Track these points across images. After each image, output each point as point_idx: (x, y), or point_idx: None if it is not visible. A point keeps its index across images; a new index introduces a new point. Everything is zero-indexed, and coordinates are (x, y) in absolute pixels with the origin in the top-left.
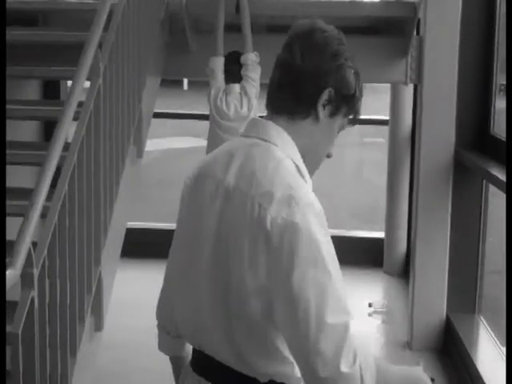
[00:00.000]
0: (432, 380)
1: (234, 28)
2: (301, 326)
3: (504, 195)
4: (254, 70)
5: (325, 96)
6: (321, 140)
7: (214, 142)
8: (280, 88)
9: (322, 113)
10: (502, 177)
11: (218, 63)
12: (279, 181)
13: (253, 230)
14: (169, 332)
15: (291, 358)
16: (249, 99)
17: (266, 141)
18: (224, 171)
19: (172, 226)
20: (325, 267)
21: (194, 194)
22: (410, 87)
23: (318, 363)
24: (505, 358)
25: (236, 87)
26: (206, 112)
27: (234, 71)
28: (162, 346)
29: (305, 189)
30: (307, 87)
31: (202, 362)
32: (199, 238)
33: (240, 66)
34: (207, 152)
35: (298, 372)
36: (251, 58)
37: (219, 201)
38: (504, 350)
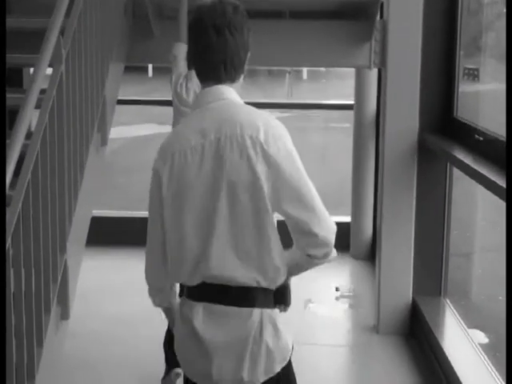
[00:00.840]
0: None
1: None
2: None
3: (467, 179)
4: None
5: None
6: None
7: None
8: (215, 50)
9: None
10: (466, 160)
11: (181, 49)
12: (260, 120)
13: (253, 157)
14: (161, 289)
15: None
16: None
17: (223, 99)
18: (202, 136)
19: (139, 213)
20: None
21: (178, 168)
22: (375, 71)
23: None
24: (471, 341)
25: None
26: (171, 98)
27: None
28: (159, 302)
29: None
30: (242, 58)
31: (210, 291)
32: (208, 194)
33: None
34: None
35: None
36: None
37: (207, 156)
38: (471, 333)
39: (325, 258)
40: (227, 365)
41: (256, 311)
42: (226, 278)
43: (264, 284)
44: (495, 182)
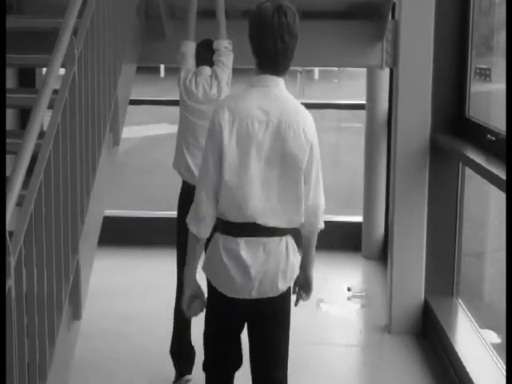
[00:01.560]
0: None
1: (208, 14)
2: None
3: (480, 179)
4: (226, 56)
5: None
6: None
7: (183, 125)
8: (278, 53)
9: None
10: (478, 160)
11: (189, 47)
12: (303, 112)
13: (302, 144)
14: (208, 223)
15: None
16: (219, 82)
17: (279, 88)
18: (266, 115)
19: (150, 213)
20: None
21: (242, 130)
22: (386, 71)
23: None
24: (483, 341)
25: (206, 69)
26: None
27: (205, 56)
28: (202, 233)
29: None
30: (292, 57)
31: (250, 228)
32: (266, 159)
33: (212, 52)
34: (178, 138)
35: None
36: (224, 45)
37: (270, 132)
38: (483, 333)
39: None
40: (266, 280)
41: (283, 238)
42: (264, 222)
43: (288, 227)
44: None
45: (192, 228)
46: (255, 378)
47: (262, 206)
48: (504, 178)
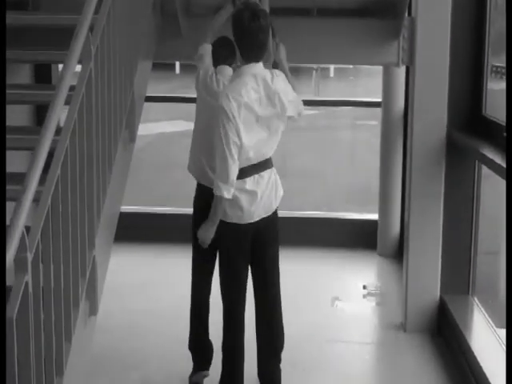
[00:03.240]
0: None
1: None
2: None
3: (496, 177)
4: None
5: None
6: None
7: (199, 128)
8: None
9: None
10: (495, 158)
11: (207, 49)
12: (277, 80)
13: (284, 103)
14: (233, 185)
15: None
16: None
17: (264, 71)
18: (257, 92)
19: (165, 210)
20: None
21: (247, 106)
22: (403, 69)
23: None
24: (499, 340)
25: (227, 69)
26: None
27: (222, 53)
28: (231, 194)
29: None
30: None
31: (259, 166)
32: (265, 120)
33: (229, 50)
34: (193, 141)
35: None
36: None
37: (262, 104)
38: (499, 332)
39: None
40: (268, 201)
41: (273, 168)
42: (266, 157)
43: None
44: None
45: (223, 193)
46: (257, 294)
47: (266, 150)
48: None
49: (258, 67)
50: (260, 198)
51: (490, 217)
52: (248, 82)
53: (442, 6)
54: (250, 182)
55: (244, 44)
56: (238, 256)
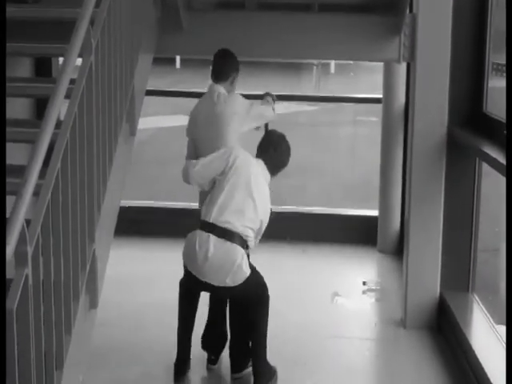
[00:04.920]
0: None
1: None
2: None
3: (497, 174)
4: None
5: None
6: None
7: None
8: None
9: None
10: (496, 155)
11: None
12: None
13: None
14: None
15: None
16: None
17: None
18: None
19: (166, 204)
20: None
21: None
22: (403, 65)
23: None
24: (499, 336)
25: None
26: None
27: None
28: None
29: None
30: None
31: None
32: None
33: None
34: None
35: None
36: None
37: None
38: (498, 328)
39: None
40: (219, 274)
41: (239, 247)
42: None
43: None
44: None
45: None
46: None
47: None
48: None
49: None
50: (211, 266)
51: (490, 214)
52: None
53: (444, 3)
54: (211, 244)
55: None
56: None
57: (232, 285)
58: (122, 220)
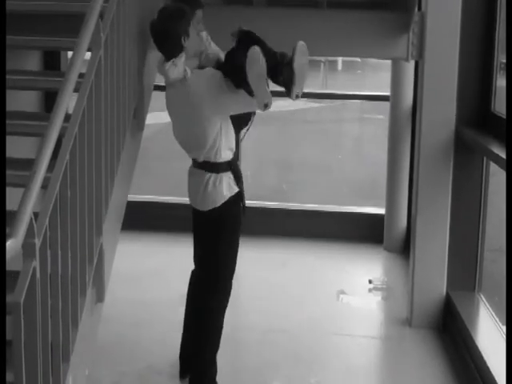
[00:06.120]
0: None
1: None
2: None
3: (504, 173)
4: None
5: None
6: None
7: None
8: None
9: None
10: (503, 155)
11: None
12: None
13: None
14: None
15: None
16: None
17: None
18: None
19: (173, 199)
20: None
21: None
22: (411, 63)
23: None
24: (504, 336)
25: None
26: None
27: None
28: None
29: None
30: None
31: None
32: None
33: None
34: None
35: None
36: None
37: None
38: (504, 328)
39: None
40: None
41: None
42: None
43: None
44: None
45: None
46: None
47: None
48: None
49: None
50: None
51: (497, 213)
52: None
53: (453, 1)
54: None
55: None
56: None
57: (201, 209)
58: (128, 215)
